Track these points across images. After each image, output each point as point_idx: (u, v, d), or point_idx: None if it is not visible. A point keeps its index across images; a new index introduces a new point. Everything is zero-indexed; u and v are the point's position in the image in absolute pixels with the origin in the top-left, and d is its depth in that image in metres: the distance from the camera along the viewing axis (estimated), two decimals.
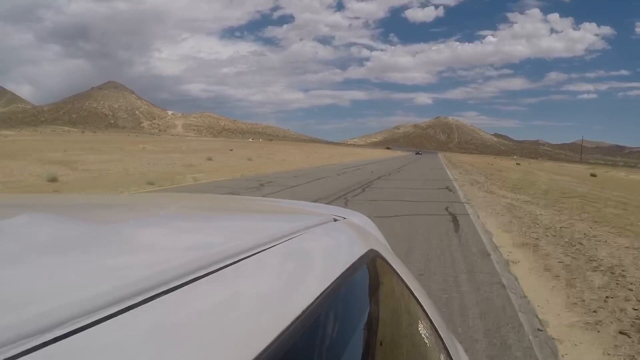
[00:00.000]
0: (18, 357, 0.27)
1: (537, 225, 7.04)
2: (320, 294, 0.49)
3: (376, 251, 0.82)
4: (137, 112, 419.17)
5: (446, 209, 8.52)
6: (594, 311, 3.31)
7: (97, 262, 0.47)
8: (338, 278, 0.56)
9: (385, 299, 0.82)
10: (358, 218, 1.25)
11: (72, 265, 0.45)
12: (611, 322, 3.12)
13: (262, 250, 0.55)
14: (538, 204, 10.12)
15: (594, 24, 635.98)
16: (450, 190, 12.80)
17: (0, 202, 0.97)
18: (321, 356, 0.51)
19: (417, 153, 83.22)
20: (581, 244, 5.67)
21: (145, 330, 0.34)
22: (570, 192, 14.52)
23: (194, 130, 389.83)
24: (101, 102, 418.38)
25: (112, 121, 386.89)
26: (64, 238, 0.58)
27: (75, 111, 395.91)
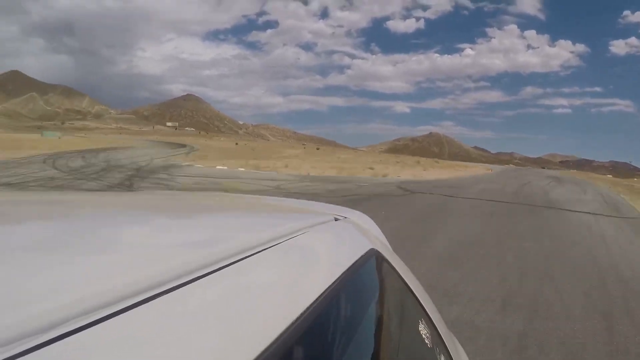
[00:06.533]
0: (18, 357, 0.26)
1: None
2: (321, 294, 0.49)
3: (377, 251, 0.82)
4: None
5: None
6: None
7: (97, 260, 0.46)
8: (339, 277, 0.56)
9: (386, 299, 0.80)
10: (359, 217, 1.25)
11: (72, 264, 0.44)
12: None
13: (262, 250, 0.55)
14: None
15: (569, 42, 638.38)
16: None
17: (0, 199, 0.96)
18: (322, 355, 0.51)
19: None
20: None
21: (146, 330, 0.33)
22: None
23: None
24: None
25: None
26: (63, 236, 0.57)
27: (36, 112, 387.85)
